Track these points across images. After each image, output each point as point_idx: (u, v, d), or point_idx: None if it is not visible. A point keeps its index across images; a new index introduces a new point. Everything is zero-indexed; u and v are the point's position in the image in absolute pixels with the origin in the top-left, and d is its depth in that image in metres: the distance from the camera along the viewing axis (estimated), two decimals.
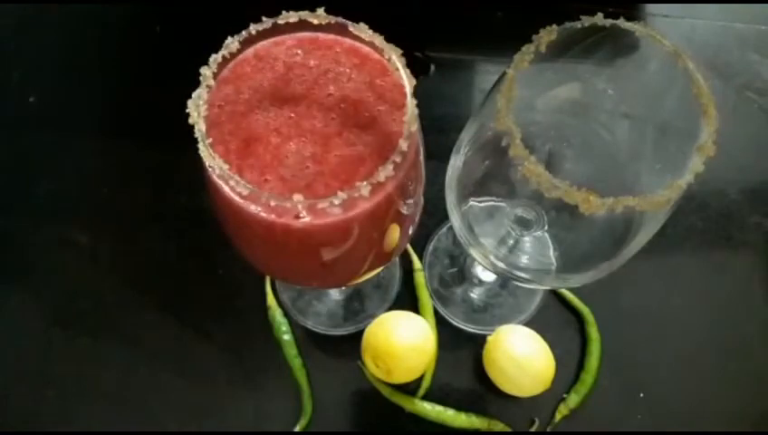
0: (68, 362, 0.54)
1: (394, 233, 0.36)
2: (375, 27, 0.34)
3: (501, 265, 0.41)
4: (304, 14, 0.33)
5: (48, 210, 0.61)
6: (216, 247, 0.56)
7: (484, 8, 0.69)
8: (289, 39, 0.35)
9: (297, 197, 0.29)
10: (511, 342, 0.50)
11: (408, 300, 0.57)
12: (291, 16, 0.33)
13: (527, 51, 0.33)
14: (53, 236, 0.59)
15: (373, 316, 0.53)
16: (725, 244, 0.60)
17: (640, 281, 0.57)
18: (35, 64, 0.68)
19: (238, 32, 0.33)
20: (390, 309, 0.56)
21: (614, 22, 0.33)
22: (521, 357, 0.49)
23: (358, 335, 0.53)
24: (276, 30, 0.34)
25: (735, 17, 0.71)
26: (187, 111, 0.31)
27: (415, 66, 0.32)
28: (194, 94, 0.31)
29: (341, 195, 0.29)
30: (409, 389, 0.53)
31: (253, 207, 0.31)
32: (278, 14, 0.33)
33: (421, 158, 0.36)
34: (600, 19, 0.33)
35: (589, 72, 0.38)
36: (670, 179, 0.31)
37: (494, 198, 0.42)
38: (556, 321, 0.56)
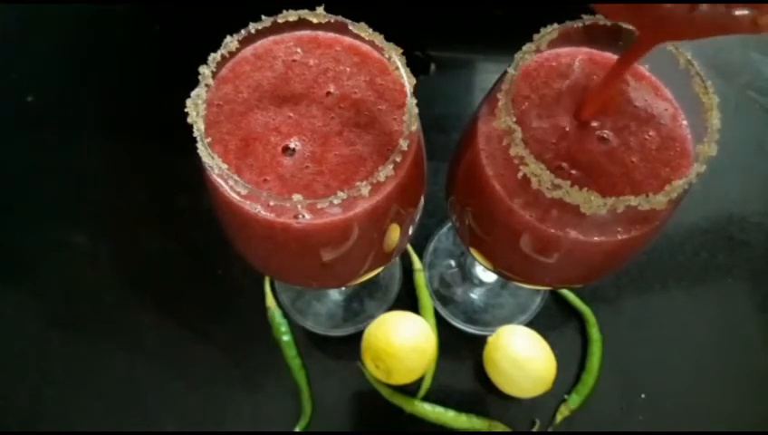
0: (67, 363, 0.54)
1: (394, 233, 0.36)
2: (375, 26, 0.33)
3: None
4: (304, 13, 0.33)
5: (47, 210, 0.61)
6: (215, 247, 0.56)
7: (484, 7, 0.69)
8: (288, 38, 0.35)
9: (296, 196, 0.29)
10: (511, 342, 0.50)
11: (408, 300, 0.57)
12: (290, 15, 0.33)
13: (528, 50, 0.33)
14: (53, 236, 0.59)
15: (373, 317, 0.53)
16: (727, 244, 0.60)
17: (642, 281, 0.57)
18: (33, 64, 0.68)
19: (238, 31, 0.33)
20: (390, 309, 0.56)
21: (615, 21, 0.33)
22: (521, 358, 0.49)
23: (357, 336, 0.53)
24: (276, 29, 0.34)
25: None
26: (186, 110, 0.30)
27: (415, 65, 0.32)
28: (193, 93, 0.31)
29: (341, 195, 0.29)
30: (409, 390, 0.53)
31: (252, 207, 0.31)
32: (278, 12, 0.33)
33: (422, 157, 0.36)
34: (600, 18, 0.33)
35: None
36: (672, 179, 0.31)
37: None
38: (557, 321, 0.56)
